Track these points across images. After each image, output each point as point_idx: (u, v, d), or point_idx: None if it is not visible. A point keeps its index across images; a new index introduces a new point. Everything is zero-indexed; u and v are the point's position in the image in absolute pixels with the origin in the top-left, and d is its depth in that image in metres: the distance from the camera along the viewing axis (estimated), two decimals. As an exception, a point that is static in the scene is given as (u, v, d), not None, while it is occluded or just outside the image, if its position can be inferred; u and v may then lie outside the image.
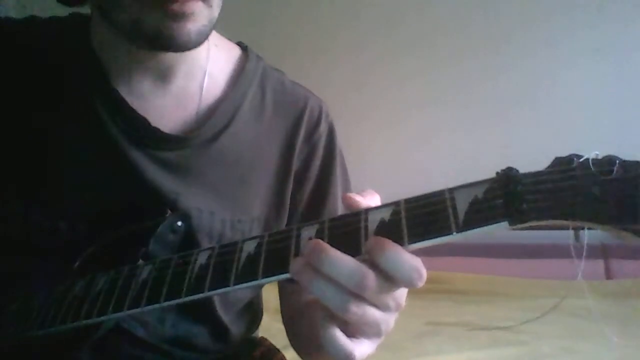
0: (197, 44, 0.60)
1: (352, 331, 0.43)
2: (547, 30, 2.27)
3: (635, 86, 2.18)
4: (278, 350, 0.86)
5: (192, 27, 0.57)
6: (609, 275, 2.01)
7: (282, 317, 0.80)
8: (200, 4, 0.58)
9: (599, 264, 2.01)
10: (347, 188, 0.79)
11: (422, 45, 2.41)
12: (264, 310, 0.85)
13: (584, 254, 0.40)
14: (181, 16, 0.56)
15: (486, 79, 2.34)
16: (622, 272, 1.99)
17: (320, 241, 0.41)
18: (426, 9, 2.40)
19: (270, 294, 0.82)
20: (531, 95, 2.29)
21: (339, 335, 0.42)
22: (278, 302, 0.81)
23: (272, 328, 0.90)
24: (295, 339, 0.78)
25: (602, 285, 1.88)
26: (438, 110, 2.39)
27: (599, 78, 2.23)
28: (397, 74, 2.43)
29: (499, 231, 0.38)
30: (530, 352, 1.42)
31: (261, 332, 0.88)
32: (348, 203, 0.46)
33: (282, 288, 0.80)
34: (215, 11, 0.60)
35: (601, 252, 2.04)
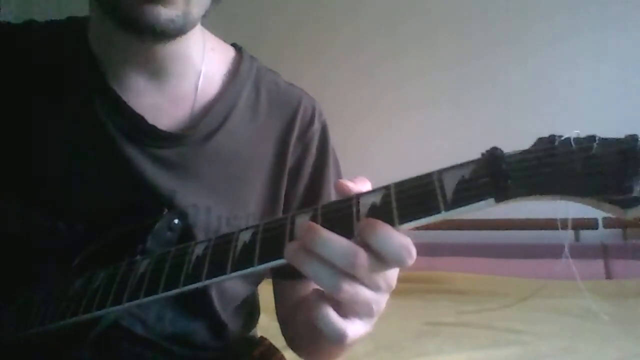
0: (166, 31, 0.59)
1: (345, 312, 0.44)
2: (548, 31, 2.28)
3: (637, 87, 2.18)
4: (277, 350, 0.86)
5: (163, 12, 0.57)
6: (609, 275, 2.01)
7: (277, 317, 0.81)
8: None
9: (599, 264, 2.01)
10: None
11: (422, 45, 2.41)
12: (263, 310, 0.86)
13: (566, 251, 0.42)
14: None
15: (486, 79, 2.34)
16: (622, 272, 1.99)
17: (314, 223, 0.43)
18: (426, 9, 2.41)
19: (268, 294, 0.82)
20: (531, 95, 2.29)
21: (332, 314, 0.43)
22: (276, 302, 0.81)
23: (271, 328, 0.90)
24: (291, 335, 0.78)
25: (602, 285, 1.88)
26: (438, 110, 2.39)
27: (599, 79, 2.23)
28: (396, 74, 2.43)
29: (487, 208, 0.39)
30: (530, 352, 1.42)
31: (260, 332, 0.88)
32: (340, 189, 0.47)
33: (276, 287, 0.81)
34: (194, 8, 0.60)
35: (601, 252, 2.04)
